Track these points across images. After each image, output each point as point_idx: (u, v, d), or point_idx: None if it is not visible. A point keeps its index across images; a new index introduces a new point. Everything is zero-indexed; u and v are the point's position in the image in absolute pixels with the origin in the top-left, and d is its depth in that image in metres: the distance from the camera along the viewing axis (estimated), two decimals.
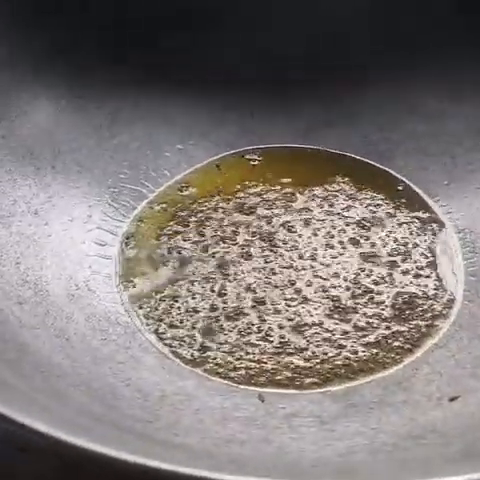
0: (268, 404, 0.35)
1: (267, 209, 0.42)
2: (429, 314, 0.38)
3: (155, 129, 0.44)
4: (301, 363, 0.36)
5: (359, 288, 0.39)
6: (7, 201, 0.39)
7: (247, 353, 0.36)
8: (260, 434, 0.33)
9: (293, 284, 0.39)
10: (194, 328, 0.37)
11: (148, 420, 0.32)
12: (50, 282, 0.37)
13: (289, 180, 0.43)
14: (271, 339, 0.37)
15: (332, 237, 0.40)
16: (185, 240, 0.40)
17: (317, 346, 0.37)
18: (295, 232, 0.41)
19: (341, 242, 0.40)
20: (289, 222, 0.41)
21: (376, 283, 0.39)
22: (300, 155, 0.44)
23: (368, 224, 0.41)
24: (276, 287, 0.38)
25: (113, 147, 0.43)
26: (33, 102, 0.42)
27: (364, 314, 0.38)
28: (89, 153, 0.42)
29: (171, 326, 0.37)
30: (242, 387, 0.35)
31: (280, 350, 0.36)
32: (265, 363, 0.36)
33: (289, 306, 0.38)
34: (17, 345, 0.33)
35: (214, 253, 0.40)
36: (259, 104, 0.44)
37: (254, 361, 0.36)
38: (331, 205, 0.42)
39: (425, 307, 0.38)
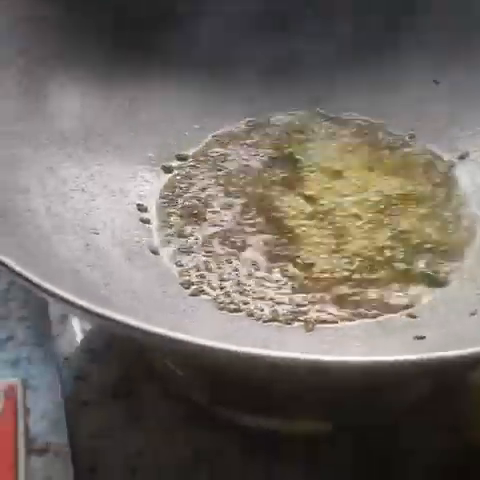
0: None
1: None
2: None
3: (171, 110, 0.48)
4: None
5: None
6: (57, 181, 0.43)
7: None
8: None
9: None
10: None
11: None
12: (105, 247, 0.41)
13: None
14: None
15: None
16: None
17: None
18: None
19: None
20: None
21: None
22: None
23: None
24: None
25: (136, 128, 0.47)
26: (62, 91, 0.46)
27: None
28: (117, 134, 0.47)
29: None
30: None
31: None
32: None
33: None
34: None
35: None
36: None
37: None
38: None
39: None
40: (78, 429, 0.40)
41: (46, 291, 0.30)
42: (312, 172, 0.46)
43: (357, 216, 0.44)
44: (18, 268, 0.29)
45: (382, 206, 0.44)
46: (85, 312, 0.30)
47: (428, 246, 0.43)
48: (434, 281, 0.41)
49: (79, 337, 0.44)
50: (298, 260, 0.42)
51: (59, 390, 0.41)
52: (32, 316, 0.45)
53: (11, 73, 0.43)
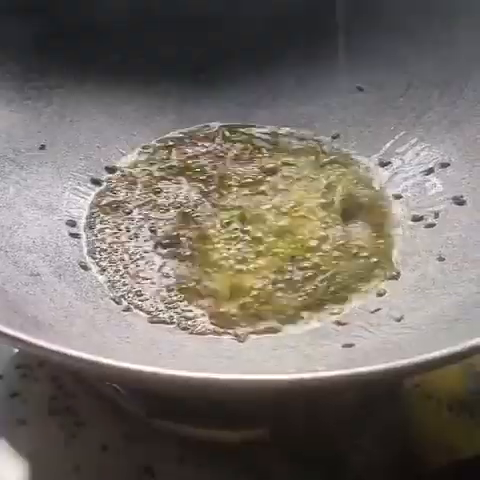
0: None
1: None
2: None
3: (100, 122, 0.48)
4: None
5: None
6: None
7: None
8: None
9: None
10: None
11: None
12: (34, 264, 0.41)
13: None
14: None
15: None
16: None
17: None
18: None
19: None
20: None
21: None
22: None
23: None
24: None
25: (65, 142, 0.47)
26: None
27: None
28: (46, 149, 0.46)
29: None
30: None
31: None
32: None
33: None
34: None
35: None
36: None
37: None
38: None
39: None
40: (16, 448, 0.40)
41: None
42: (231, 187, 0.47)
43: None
44: None
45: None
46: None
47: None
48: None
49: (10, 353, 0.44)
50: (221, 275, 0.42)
51: None
52: None
53: None
